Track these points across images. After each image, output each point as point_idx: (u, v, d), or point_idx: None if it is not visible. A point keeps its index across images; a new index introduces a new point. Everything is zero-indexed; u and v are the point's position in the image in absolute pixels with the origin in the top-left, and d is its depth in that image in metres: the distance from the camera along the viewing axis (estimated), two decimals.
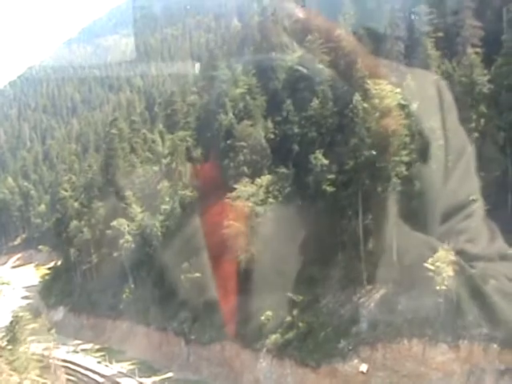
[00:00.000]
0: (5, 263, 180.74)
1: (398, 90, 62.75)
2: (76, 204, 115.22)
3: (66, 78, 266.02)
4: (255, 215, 74.53)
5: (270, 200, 74.94)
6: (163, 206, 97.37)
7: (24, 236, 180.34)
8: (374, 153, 60.48)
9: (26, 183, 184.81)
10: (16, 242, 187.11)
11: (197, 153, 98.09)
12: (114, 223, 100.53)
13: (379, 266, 65.10)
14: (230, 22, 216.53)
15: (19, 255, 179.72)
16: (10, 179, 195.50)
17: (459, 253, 55.61)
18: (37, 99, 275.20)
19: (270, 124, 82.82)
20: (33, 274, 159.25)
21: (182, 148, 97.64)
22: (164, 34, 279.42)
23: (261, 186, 75.51)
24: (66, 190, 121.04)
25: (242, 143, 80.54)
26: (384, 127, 59.51)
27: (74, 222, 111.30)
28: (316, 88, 75.58)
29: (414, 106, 61.32)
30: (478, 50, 66.05)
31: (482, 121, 61.88)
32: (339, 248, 69.89)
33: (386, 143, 59.47)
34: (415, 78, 62.79)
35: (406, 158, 59.20)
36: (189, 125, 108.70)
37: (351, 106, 65.14)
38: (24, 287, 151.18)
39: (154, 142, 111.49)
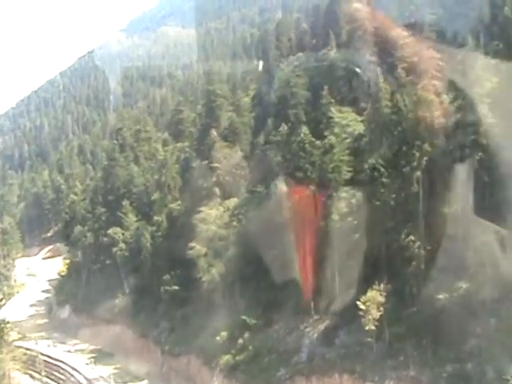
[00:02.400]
0: (36, 254, 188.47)
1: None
2: (82, 209, 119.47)
3: (109, 70, 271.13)
4: (219, 238, 76.65)
5: (234, 223, 76.61)
6: (155, 217, 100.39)
7: (56, 229, 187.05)
8: None
9: (58, 177, 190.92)
10: (49, 234, 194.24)
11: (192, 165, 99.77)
12: (110, 231, 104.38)
13: (325, 297, 66.44)
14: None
15: (51, 247, 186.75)
16: (45, 173, 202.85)
17: None
18: (82, 91, 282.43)
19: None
20: (60, 266, 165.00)
21: (173, 160, 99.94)
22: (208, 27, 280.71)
23: (227, 209, 77.32)
24: (76, 194, 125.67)
25: (216, 165, 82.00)
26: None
27: (79, 227, 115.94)
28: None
29: None
30: None
31: None
32: (294, 274, 71.15)
33: None
34: None
35: None
36: (192, 135, 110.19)
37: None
38: (48, 280, 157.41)
39: (156, 151, 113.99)
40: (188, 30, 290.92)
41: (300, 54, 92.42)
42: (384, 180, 59.20)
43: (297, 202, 67.10)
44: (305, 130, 65.41)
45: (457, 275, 58.28)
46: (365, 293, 58.04)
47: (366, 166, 61.08)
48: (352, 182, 62.52)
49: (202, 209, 79.07)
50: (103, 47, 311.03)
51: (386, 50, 75.79)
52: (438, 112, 62.14)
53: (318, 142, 64.86)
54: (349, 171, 62.80)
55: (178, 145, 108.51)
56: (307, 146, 63.81)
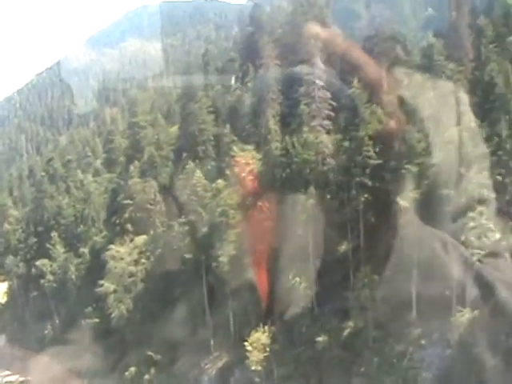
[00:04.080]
0: None
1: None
2: (15, 239, 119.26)
3: (65, 89, 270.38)
4: (128, 275, 77.72)
5: (143, 260, 77.76)
6: (81, 249, 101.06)
7: None
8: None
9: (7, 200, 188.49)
10: None
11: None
12: (38, 263, 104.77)
13: (223, 334, 67.98)
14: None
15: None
16: None
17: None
18: (37, 109, 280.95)
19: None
20: None
21: (101, 190, 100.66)
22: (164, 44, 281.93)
23: (136, 247, 78.42)
24: (10, 223, 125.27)
25: (128, 201, 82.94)
26: None
27: (11, 257, 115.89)
28: None
29: None
30: None
31: None
32: (199, 311, 72.56)
33: None
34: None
35: None
36: (123, 165, 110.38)
37: None
38: None
39: (84, 181, 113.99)
40: (146, 45, 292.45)
41: (219, 86, 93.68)
42: (267, 224, 60.64)
43: None
44: (198, 172, 66.51)
45: (344, 315, 60.04)
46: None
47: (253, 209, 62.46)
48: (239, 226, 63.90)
49: (112, 246, 79.74)
50: (62, 63, 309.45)
51: (290, 87, 77.36)
52: (325, 153, 63.83)
53: (211, 185, 66.04)
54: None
55: (107, 175, 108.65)
56: (199, 189, 64.90)
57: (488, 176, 54.51)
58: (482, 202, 53.12)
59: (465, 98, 59.31)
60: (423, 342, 56.94)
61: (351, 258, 61.25)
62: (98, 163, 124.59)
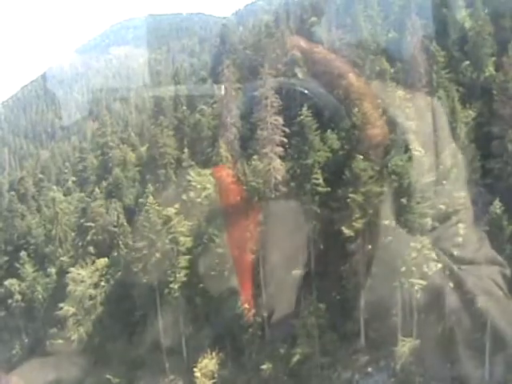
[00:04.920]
0: None
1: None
2: None
3: (49, 101, 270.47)
4: (88, 297, 77.81)
5: (103, 283, 77.90)
6: (48, 269, 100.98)
7: None
8: None
9: None
10: None
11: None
12: (6, 283, 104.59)
13: (177, 357, 68.25)
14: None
15: None
16: None
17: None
18: (21, 122, 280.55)
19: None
20: None
21: (71, 209, 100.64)
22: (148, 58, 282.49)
23: (96, 270, 78.54)
24: None
25: (91, 224, 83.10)
26: None
27: None
28: None
29: None
30: None
31: None
32: (156, 335, 72.67)
33: None
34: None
35: None
36: (98, 184, 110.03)
37: None
38: None
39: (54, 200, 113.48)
40: (131, 58, 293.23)
41: (183, 107, 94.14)
42: (218, 251, 61.05)
43: None
44: (151, 198, 66.83)
45: (294, 341, 60.44)
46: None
47: (205, 236, 62.86)
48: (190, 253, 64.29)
49: (72, 269, 79.86)
50: (47, 76, 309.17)
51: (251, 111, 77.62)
52: (275, 180, 64.25)
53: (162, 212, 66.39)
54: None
55: (78, 195, 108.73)
56: (151, 215, 65.24)
57: (431, 206, 54.94)
58: (423, 232, 53.50)
59: (412, 125, 59.88)
60: (370, 369, 57.15)
61: (301, 285, 61.44)
62: (70, 183, 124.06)
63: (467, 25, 78.63)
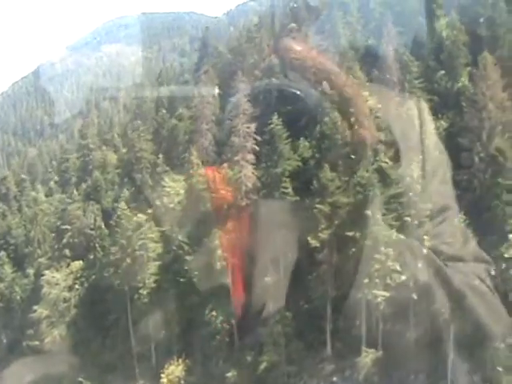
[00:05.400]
0: None
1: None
2: None
3: (39, 98, 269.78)
4: (62, 300, 77.98)
5: (77, 286, 78.03)
6: (27, 270, 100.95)
7: None
8: None
9: None
10: None
11: None
12: None
13: (146, 362, 68.58)
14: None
15: None
16: None
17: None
18: (10, 119, 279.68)
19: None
20: None
21: (44, 213, 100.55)
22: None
23: (71, 272, 78.65)
24: None
25: (67, 226, 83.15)
26: None
27: None
28: None
29: None
30: None
31: None
32: (127, 339, 72.96)
33: None
34: None
35: None
36: (77, 186, 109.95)
37: None
38: None
39: (35, 201, 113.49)
40: (122, 56, 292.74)
41: (163, 110, 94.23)
42: (187, 258, 61.27)
43: None
44: (122, 204, 67.00)
45: (261, 349, 60.75)
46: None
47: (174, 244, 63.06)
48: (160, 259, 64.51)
49: (47, 272, 79.95)
50: (38, 72, 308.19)
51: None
52: (245, 188, 64.42)
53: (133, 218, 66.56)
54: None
55: (59, 196, 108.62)
56: (123, 221, 65.41)
57: (396, 218, 55.23)
58: (388, 244, 53.76)
59: (381, 136, 60.15)
60: (335, 378, 57.53)
61: (271, 292, 61.60)
62: (52, 183, 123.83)
63: (444, 34, 78.51)
